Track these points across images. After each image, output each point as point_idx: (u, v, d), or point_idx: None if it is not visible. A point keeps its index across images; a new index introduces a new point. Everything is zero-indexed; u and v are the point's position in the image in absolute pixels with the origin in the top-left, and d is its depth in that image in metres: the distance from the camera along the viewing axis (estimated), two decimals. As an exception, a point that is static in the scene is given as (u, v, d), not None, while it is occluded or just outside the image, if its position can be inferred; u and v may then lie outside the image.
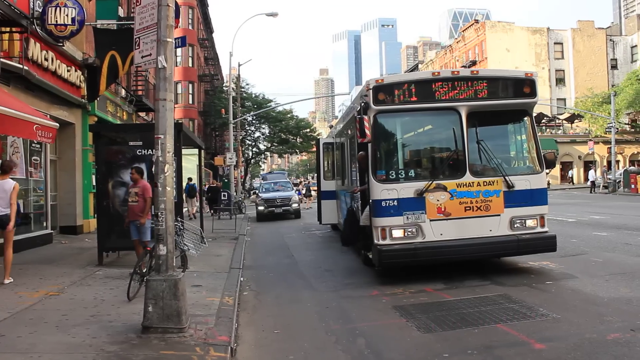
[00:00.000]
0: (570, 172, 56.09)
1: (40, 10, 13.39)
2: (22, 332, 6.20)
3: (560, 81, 64.27)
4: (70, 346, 5.76)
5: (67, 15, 13.40)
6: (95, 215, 13.26)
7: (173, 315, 6.12)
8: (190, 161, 27.41)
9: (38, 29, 13.24)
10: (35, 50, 13.21)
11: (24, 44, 12.79)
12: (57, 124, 10.78)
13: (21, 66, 12.42)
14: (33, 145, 14.08)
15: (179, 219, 9.16)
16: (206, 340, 6.01)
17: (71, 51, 15.49)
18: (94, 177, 16.36)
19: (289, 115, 60.58)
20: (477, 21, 70.17)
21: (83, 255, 12.27)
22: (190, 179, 27.88)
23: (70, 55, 15.52)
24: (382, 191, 9.16)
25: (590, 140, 52.01)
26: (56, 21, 13.35)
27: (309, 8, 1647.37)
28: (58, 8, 13.30)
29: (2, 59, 11.73)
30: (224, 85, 64.06)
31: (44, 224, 14.89)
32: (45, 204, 15.02)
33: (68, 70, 15.35)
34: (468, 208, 9.24)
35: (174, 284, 6.16)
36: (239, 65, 42.51)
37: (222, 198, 26.45)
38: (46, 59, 13.84)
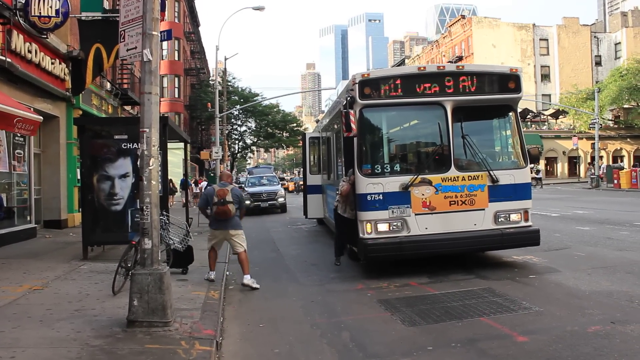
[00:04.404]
0: (621, 164, 55.08)
1: (24, 2, 13.22)
2: (6, 327, 6.15)
3: (545, 77, 64.69)
4: (55, 340, 5.73)
5: (51, 6, 13.27)
6: (80, 209, 13.16)
7: (158, 309, 6.11)
8: (176, 155, 27.36)
9: (21, 21, 13.08)
10: (18, 42, 13.05)
11: (7, 36, 12.63)
12: (41, 117, 10.67)
13: (4, 58, 12.27)
14: (17, 138, 13.94)
15: (165, 212, 9.12)
16: (192, 334, 6.01)
17: (55, 43, 15.32)
18: (78, 170, 16.24)
19: (275, 110, 60.44)
20: (463, 17, 70.44)
21: (67, 250, 12.19)
22: (185, 175, 28.33)
23: (55, 48, 15.36)
24: (367, 185, 9.20)
25: (575, 135, 52.47)
26: (40, 13, 13.20)
27: (296, 2, 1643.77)
28: (42, -1, 13.15)
29: (-16, 51, 11.60)
30: (210, 79, 63.88)
31: (28, 218, 14.75)
32: (29, 197, 14.88)
33: (52, 63, 15.19)
34: (453, 202, 9.31)
35: (159, 277, 6.15)
36: (226, 59, 42.42)
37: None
38: (30, 51, 13.68)
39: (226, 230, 9.16)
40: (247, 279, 9.07)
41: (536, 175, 41.65)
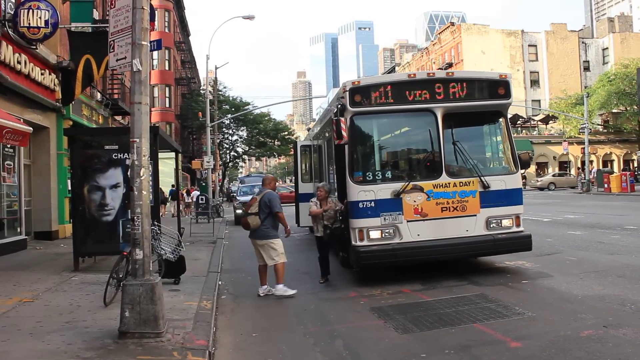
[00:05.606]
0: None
1: (12, 12, 13.18)
2: (-5, 340, 6.09)
3: (534, 83, 65.16)
4: (45, 353, 5.67)
5: (40, 17, 13.22)
6: (71, 220, 13.08)
7: (150, 320, 6.07)
8: (167, 165, 27.31)
9: (10, 32, 13.03)
10: (7, 53, 12.99)
11: (-4, 47, 12.58)
12: (31, 128, 10.63)
13: (-7, 69, 12.22)
14: (6, 149, 13.84)
15: (156, 222, 9.08)
16: (184, 344, 5.97)
17: (45, 54, 15.27)
18: (69, 181, 16.14)
19: (266, 118, 60.48)
20: (452, 24, 70.92)
21: (58, 261, 12.09)
22: (173, 185, 28.56)
23: (44, 58, 15.30)
24: (359, 192, 9.20)
25: (565, 140, 52.78)
26: (29, 24, 13.16)
27: (286, 11, 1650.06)
28: (31, 10, 13.11)
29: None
30: (201, 88, 63.84)
31: (18, 230, 14.62)
32: (19, 209, 14.76)
33: (42, 74, 15.13)
34: (445, 208, 9.32)
35: (151, 288, 6.10)
36: (216, 68, 42.40)
37: (200, 202, 26.30)
38: (19, 62, 13.62)
39: (254, 240, 9.18)
40: (278, 289, 8.96)
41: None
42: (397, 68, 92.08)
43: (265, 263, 9.17)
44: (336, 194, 10.37)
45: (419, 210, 9.26)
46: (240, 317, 7.92)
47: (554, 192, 42.94)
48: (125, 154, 10.61)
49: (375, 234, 9.19)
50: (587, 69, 66.17)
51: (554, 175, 50.13)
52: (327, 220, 9.70)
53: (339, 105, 9.39)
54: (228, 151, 62.59)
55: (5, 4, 13.22)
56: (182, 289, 9.05)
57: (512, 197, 9.67)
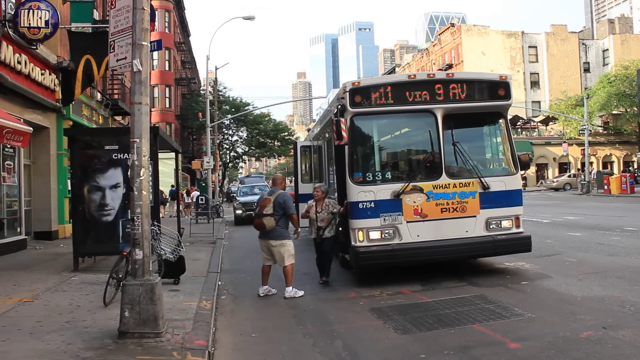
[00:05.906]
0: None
1: (13, 13, 13.18)
2: (-5, 340, 6.09)
3: (535, 84, 65.16)
4: (45, 353, 5.67)
5: (40, 17, 13.22)
6: (71, 220, 13.08)
7: (150, 320, 6.07)
8: (167, 165, 27.30)
9: (10, 32, 13.04)
10: (7, 53, 13.00)
11: (-4, 47, 12.58)
12: (31, 128, 10.63)
13: (-7, 69, 12.22)
14: (6, 149, 13.84)
15: (156, 223, 9.08)
16: (183, 344, 5.98)
17: (45, 54, 15.27)
18: (69, 181, 16.14)
19: (266, 119, 60.53)
20: (453, 25, 70.91)
21: (58, 261, 12.10)
22: (173, 185, 28.67)
23: (44, 59, 15.31)
24: (359, 193, 9.20)
25: (565, 142, 52.80)
26: (29, 24, 13.16)
27: (286, 12, 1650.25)
28: (31, 10, 13.10)
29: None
30: (201, 88, 63.83)
31: (18, 230, 14.62)
32: (19, 209, 14.76)
33: (42, 74, 15.13)
34: (444, 209, 9.32)
35: (151, 288, 6.11)
36: (216, 68, 42.43)
37: (200, 202, 26.31)
38: (19, 62, 13.63)
39: (267, 241, 9.11)
40: (288, 291, 8.96)
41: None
42: (397, 69, 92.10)
43: (271, 264, 9.17)
44: (336, 194, 10.38)
45: (419, 211, 9.26)
46: (240, 318, 7.92)
47: (554, 194, 42.96)
48: (125, 154, 10.61)
49: (375, 235, 9.19)
50: (587, 70, 66.21)
51: (569, 176, 50.46)
52: (320, 222, 9.73)
53: (339, 106, 9.39)
54: (228, 152, 62.59)
55: (5, 4, 13.23)
56: (182, 289, 9.05)
57: (511, 198, 9.67)
